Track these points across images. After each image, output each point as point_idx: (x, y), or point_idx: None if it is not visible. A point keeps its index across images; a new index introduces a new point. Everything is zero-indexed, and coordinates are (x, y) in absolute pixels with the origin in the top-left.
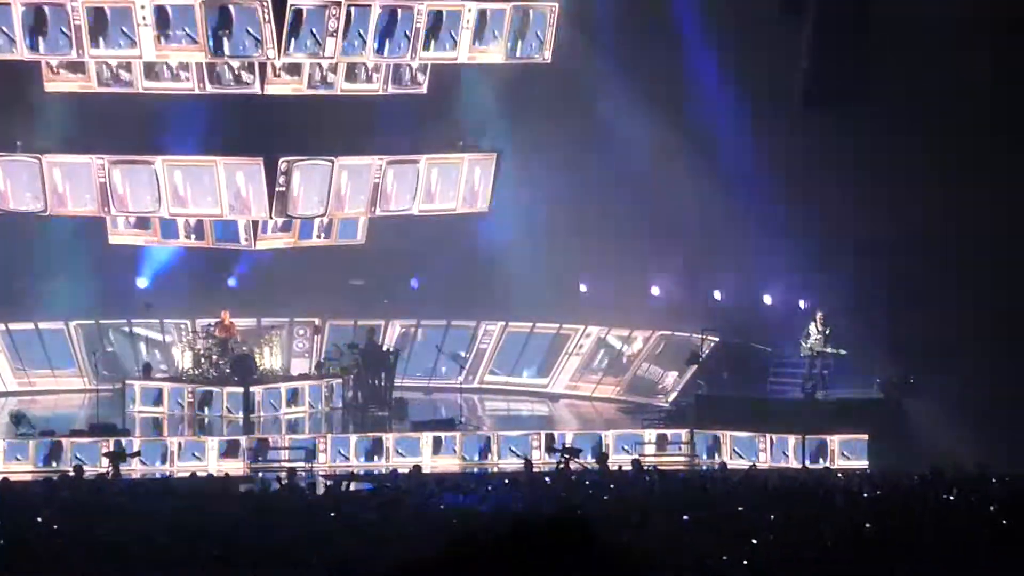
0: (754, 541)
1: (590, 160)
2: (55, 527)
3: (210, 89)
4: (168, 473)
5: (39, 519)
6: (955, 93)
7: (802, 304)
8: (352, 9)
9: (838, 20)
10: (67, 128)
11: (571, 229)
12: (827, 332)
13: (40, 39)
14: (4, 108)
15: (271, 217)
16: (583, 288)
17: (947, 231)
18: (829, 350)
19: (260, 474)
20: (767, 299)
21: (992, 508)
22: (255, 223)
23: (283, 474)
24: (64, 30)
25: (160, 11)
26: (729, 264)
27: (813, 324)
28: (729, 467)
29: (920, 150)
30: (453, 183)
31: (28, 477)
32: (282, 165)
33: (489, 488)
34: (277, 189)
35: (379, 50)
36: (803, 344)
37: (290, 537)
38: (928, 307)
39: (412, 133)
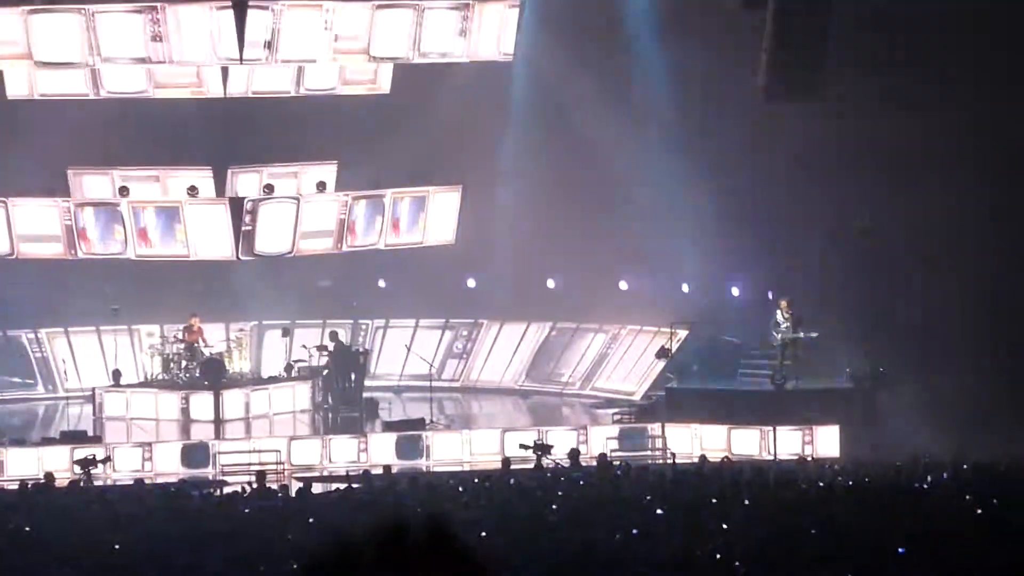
0: (724, 527)
1: (555, 158)
2: (27, 533)
3: (171, 93)
4: (139, 479)
5: (10, 526)
6: (921, 82)
7: (771, 295)
8: (309, 12)
9: (798, 12)
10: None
11: (538, 226)
12: (795, 318)
13: None
14: None
15: (237, 258)
16: (551, 285)
17: (912, 219)
18: (800, 335)
19: (230, 478)
20: (734, 291)
21: (967, 497)
22: None
23: (254, 477)
24: None
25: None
26: (696, 256)
27: (779, 312)
28: (701, 460)
29: (884, 138)
30: (419, 217)
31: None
32: (248, 204)
33: (460, 489)
34: (243, 228)
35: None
36: (774, 334)
37: (262, 541)
38: (897, 296)
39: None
